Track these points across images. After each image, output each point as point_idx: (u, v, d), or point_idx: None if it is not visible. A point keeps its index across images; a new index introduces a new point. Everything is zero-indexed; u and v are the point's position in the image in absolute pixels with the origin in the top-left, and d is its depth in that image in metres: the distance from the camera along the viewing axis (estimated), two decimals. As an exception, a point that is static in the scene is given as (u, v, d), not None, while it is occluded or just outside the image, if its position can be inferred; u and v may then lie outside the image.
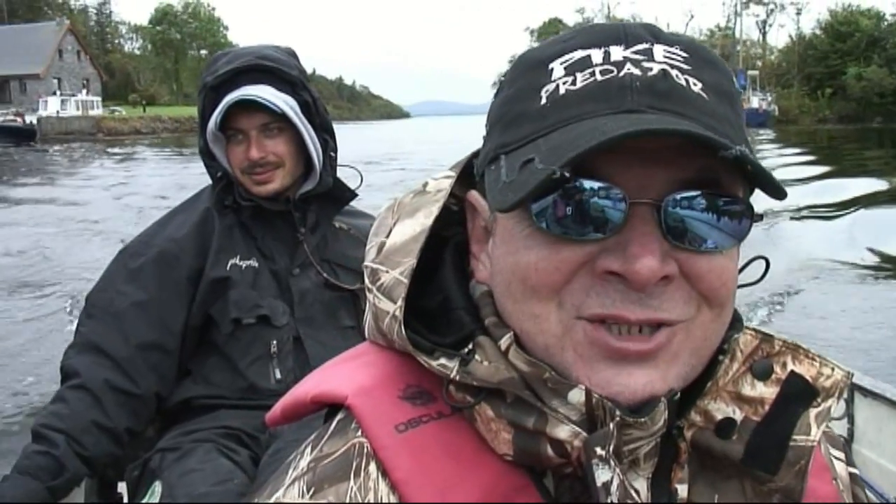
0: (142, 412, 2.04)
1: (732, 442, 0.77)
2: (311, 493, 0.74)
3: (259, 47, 2.14)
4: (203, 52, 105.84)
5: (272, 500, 0.76)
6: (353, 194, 2.22)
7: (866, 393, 3.15)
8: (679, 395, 0.74)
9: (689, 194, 0.69)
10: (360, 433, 0.76)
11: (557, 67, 0.73)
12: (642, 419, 0.70)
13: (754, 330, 0.81)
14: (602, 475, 0.70)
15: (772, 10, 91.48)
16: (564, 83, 0.72)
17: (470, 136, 2.06)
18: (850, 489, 0.92)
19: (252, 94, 2.03)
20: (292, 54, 2.16)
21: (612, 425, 0.70)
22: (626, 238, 0.68)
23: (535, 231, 0.71)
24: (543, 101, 0.72)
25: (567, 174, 0.65)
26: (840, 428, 3.21)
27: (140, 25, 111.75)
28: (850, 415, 3.20)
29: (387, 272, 0.81)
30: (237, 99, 2.03)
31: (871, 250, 11.75)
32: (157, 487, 1.88)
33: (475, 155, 0.85)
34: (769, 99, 73.73)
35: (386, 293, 0.80)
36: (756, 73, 78.22)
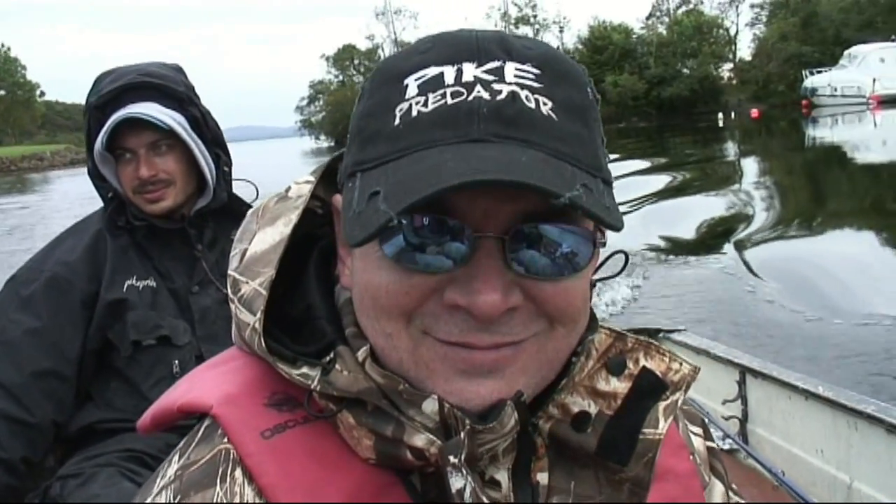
0: (38, 441, 1.87)
1: (587, 435, 0.77)
2: (177, 499, 0.70)
3: (144, 64, 1.99)
4: (2, 92, 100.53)
5: None
6: (248, 208, 2.08)
7: (756, 374, 3.25)
8: (527, 397, 0.72)
9: (532, 227, 0.67)
10: (226, 440, 0.72)
11: (412, 84, 0.70)
12: (490, 424, 0.69)
13: (609, 328, 0.80)
14: (456, 482, 0.68)
15: (538, 29, 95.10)
16: (417, 104, 0.68)
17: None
18: (708, 462, 0.93)
19: (138, 112, 1.88)
20: (179, 70, 2.02)
21: (462, 434, 0.68)
22: (472, 272, 0.66)
23: (386, 257, 0.68)
24: (397, 121, 0.69)
25: (405, 221, 0.64)
26: (735, 409, 3.32)
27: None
28: (742, 396, 3.30)
29: (247, 283, 0.77)
30: (123, 117, 1.87)
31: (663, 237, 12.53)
32: None
33: (337, 158, 0.81)
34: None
35: (246, 305, 0.76)
36: None
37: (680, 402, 0.80)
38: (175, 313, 1.96)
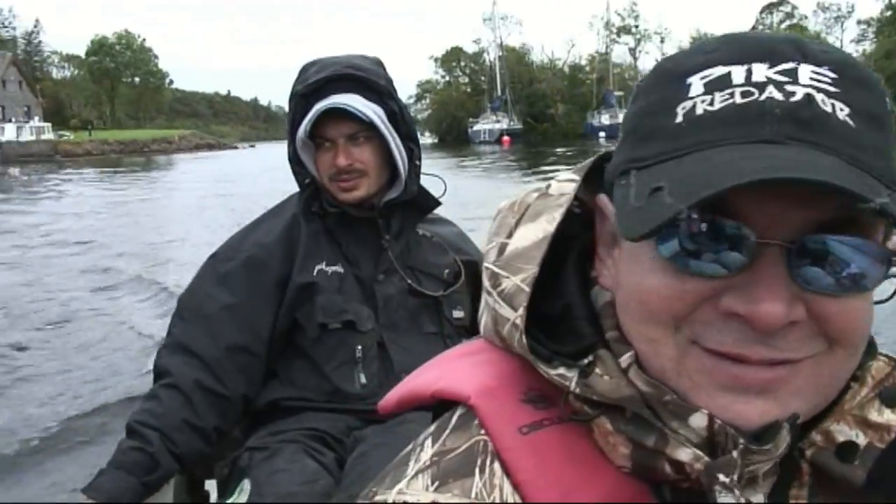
0: (229, 412, 1.89)
1: (854, 467, 0.68)
2: (435, 485, 0.66)
3: (348, 57, 1.97)
4: (136, 79, 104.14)
5: (395, 491, 0.68)
6: (436, 202, 2.06)
7: None
8: (801, 419, 0.64)
9: (823, 238, 0.59)
10: (482, 431, 0.69)
11: (696, 83, 0.64)
12: (766, 446, 0.62)
13: (887, 356, 0.71)
14: (725, 500, 0.62)
15: (639, 39, 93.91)
16: (702, 102, 0.62)
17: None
18: None
19: (342, 103, 1.86)
20: (380, 64, 2.00)
21: (735, 453, 0.62)
22: (753, 278, 0.60)
23: (660, 258, 0.62)
24: (679, 119, 0.63)
25: (695, 215, 0.59)
26: None
27: (72, 55, 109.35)
28: None
29: (508, 278, 0.73)
30: (327, 107, 1.86)
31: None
32: (246, 485, 1.74)
33: (602, 158, 0.75)
34: (636, 114, 77.28)
35: (507, 300, 0.72)
36: (622, 93, 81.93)
37: None
38: (360, 300, 1.94)
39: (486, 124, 79.68)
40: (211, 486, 2.09)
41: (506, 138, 72.30)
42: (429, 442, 0.71)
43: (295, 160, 1.98)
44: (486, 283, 0.75)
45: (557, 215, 0.73)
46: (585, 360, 0.67)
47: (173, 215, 20.79)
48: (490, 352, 0.76)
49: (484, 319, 0.77)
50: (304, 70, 1.96)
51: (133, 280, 11.81)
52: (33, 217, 20.62)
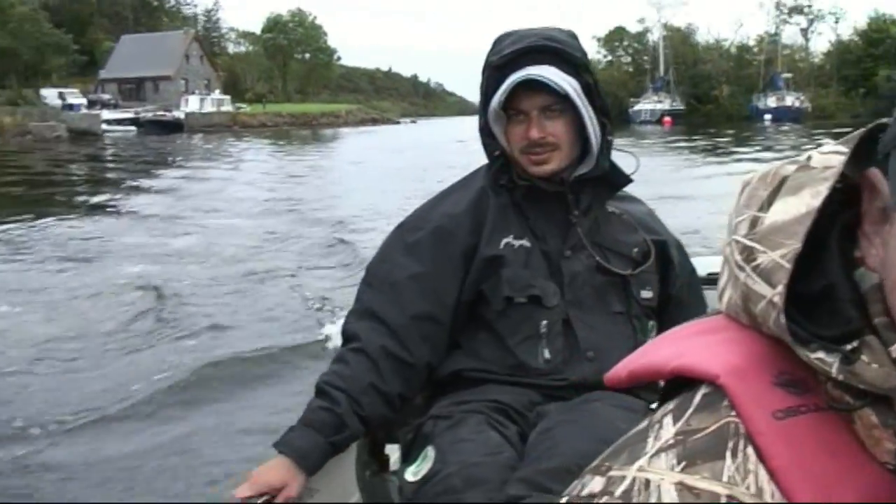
0: (413, 379, 1.89)
1: None
2: (681, 466, 0.61)
3: (543, 29, 1.92)
4: (307, 55, 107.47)
5: (634, 467, 0.63)
6: (627, 179, 1.98)
7: None
8: None
9: None
10: (733, 413, 0.62)
11: None
12: None
13: None
14: None
15: (812, 19, 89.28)
16: None
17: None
18: None
19: (537, 75, 1.81)
20: (574, 37, 1.93)
21: None
22: None
23: None
24: None
25: None
26: None
27: (248, 31, 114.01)
28: None
29: (765, 253, 0.66)
30: (523, 78, 1.81)
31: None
32: (430, 452, 1.72)
33: (876, 128, 0.65)
34: (802, 98, 74.99)
35: (763, 276, 0.65)
36: (790, 75, 78.90)
37: None
38: (546, 275, 1.89)
39: (648, 104, 77.83)
40: (391, 450, 2.11)
41: (667, 119, 70.49)
42: (668, 420, 0.66)
43: (486, 132, 1.94)
44: (736, 257, 0.69)
45: (823, 189, 0.66)
46: (849, 346, 0.60)
47: (349, 183, 21.65)
48: (734, 330, 0.70)
49: (728, 294, 0.71)
50: (499, 41, 1.92)
51: (314, 245, 12.32)
52: (214, 183, 21.96)
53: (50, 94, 62.35)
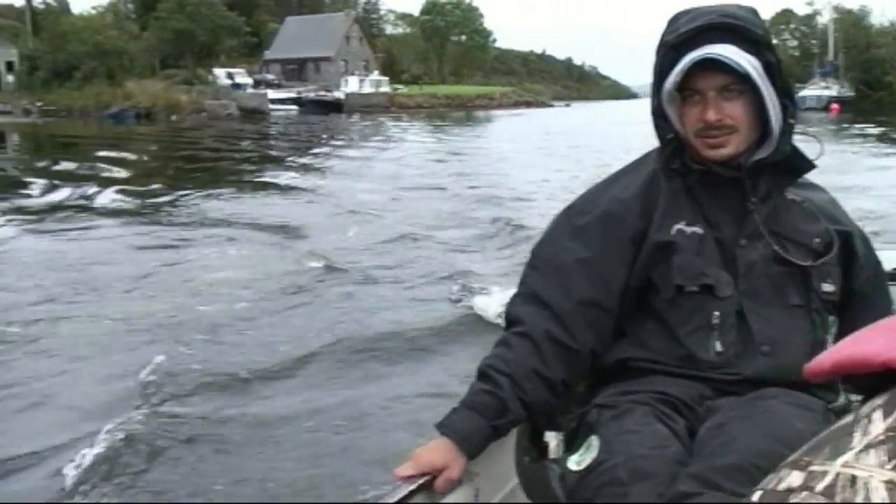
0: (577, 366, 1.84)
1: None
2: (893, 463, 0.60)
3: (722, 5, 1.81)
4: (463, 37, 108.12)
5: (838, 463, 0.62)
6: (810, 165, 1.85)
7: None
8: None
9: None
10: None
11: None
12: None
13: None
14: None
15: None
16: None
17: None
18: None
19: (715, 53, 1.71)
20: (755, 13, 1.82)
21: None
22: None
23: None
24: None
25: None
26: None
27: (406, 13, 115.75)
28: None
29: None
30: (699, 58, 1.71)
31: None
32: (594, 441, 1.66)
33: None
34: None
35: None
36: None
37: None
38: (719, 264, 1.79)
39: (815, 90, 73.84)
40: (550, 437, 2.07)
41: (834, 106, 66.78)
42: (878, 415, 0.64)
43: (659, 114, 1.86)
44: None
45: None
46: None
47: (507, 164, 21.94)
48: None
49: None
50: (675, 20, 1.83)
51: (473, 222, 12.50)
52: (375, 162, 22.61)
53: (219, 74, 65.51)
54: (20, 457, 4.47)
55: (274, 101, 63.30)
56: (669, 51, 1.79)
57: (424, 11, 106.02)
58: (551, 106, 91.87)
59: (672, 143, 1.86)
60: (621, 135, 31.30)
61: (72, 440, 4.62)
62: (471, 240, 11.09)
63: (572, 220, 1.92)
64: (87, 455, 4.39)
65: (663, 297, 1.82)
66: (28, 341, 6.54)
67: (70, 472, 4.24)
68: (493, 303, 7.02)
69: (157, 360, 5.95)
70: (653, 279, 1.84)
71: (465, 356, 6.02)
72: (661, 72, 1.82)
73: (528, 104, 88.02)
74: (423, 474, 1.66)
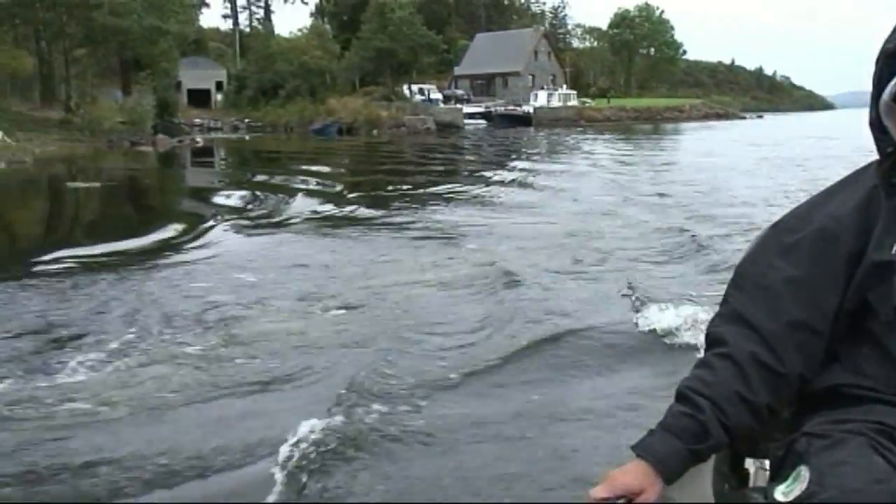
0: (783, 391, 1.71)
1: None
2: None
3: None
4: (651, 50, 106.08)
5: None
6: None
7: None
8: None
9: None
10: None
11: None
12: None
13: None
14: None
15: None
16: None
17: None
18: None
19: None
20: None
21: None
22: None
23: None
24: None
25: None
26: None
27: (594, 27, 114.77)
28: None
29: None
30: None
31: None
32: (803, 472, 1.54)
33: None
34: None
35: None
36: None
37: None
38: None
39: None
40: (751, 464, 1.95)
41: None
42: None
43: (877, 126, 1.71)
44: None
45: None
46: None
47: (704, 177, 21.61)
48: None
49: None
50: None
51: (662, 234, 12.39)
52: (567, 175, 22.65)
53: (413, 90, 67.68)
54: (230, 451, 4.72)
55: (467, 116, 64.67)
56: (889, 59, 1.65)
57: (613, 25, 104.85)
58: (742, 118, 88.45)
59: (892, 157, 1.71)
60: (822, 147, 29.76)
61: (278, 437, 4.81)
62: (658, 252, 10.90)
63: (781, 237, 1.81)
64: (297, 452, 4.59)
65: (882, 320, 1.67)
66: (237, 342, 6.95)
67: (277, 470, 4.41)
68: (675, 318, 6.97)
69: (364, 360, 6.23)
70: (869, 301, 1.69)
71: (641, 372, 6.05)
72: (879, 81, 1.68)
73: (719, 116, 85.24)
74: (619, 497, 1.59)
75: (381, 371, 5.98)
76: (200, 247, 12.15)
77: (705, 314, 6.34)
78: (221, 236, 13.13)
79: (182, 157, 40.54)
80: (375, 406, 5.30)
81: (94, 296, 8.62)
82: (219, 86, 79.22)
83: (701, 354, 1.82)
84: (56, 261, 10.82)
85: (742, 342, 1.72)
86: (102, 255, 11.51)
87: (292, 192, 19.49)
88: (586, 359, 6.35)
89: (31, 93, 46.41)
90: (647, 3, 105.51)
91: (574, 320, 7.40)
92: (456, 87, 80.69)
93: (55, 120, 40.27)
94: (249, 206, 17.53)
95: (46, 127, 38.89)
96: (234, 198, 19.06)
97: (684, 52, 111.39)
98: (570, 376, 6.00)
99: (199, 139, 50.89)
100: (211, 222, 14.70)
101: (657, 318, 7.17)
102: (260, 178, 24.50)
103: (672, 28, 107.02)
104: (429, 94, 68.26)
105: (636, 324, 7.19)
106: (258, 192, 19.62)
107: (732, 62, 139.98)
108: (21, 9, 38.73)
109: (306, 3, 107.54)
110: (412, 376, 5.91)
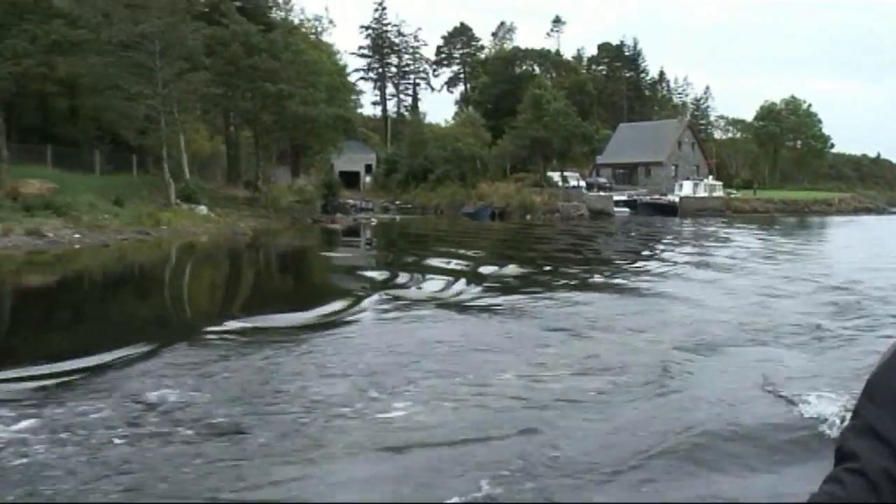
0: None
1: None
2: None
3: None
4: (798, 143, 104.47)
5: None
6: None
7: None
8: None
9: None
10: None
11: None
12: None
13: None
14: None
15: None
16: None
17: None
18: None
19: None
20: None
21: None
22: None
23: None
24: None
25: None
26: None
27: (737, 119, 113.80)
28: None
29: None
30: None
31: None
32: None
33: None
34: None
35: None
36: None
37: None
38: None
39: None
40: None
41: None
42: None
43: None
44: None
45: None
46: None
47: (854, 269, 21.55)
48: None
49: None
50: None
51: (810, 328, 12.86)
52: (717, 268, 22.76)
53: (553, 176, 68.83)
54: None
55: (616, 204, 65.98)
56: None
57: (759, 117, 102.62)
58: (893, 213, 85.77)
59: None
60: None
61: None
62: (801, 344, 11.34)
63: None
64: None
65: None
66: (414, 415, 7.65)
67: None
68: (822, 411, 7.22)
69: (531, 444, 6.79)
70: None
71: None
72: None
73: (869, 210, 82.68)
74: None
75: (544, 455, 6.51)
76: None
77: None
78: (368, 317, 13.92)
79: (365, 231, 43.00)
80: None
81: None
82: (367, 168, 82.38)
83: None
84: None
85: (875, 457, 1.51)
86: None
87: (446, 274, 20.29)
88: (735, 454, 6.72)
89: (211, 171, 49.89)
90: (793, 97, 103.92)
91: (730, 411, 7.78)
92: (598, 175, 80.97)
93: (241, 198, 43.23)
94: (400, 285, 18.28)
95: (236, 204, 41.47)
96: (384, 276, 19.96)
97: (832, 145, 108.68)
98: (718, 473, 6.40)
99: (374, 219, 53.78)
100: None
101: (807, 410, 7.46)
102: (412, 259, 25.72)
103: (820, 122, 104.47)
104: (570, 182, 68.62)
105: (788, 415, 7.51)
106: (416, 274, 20.25)
107: (878, 155, 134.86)
108: (224, 99, 42.27)
109: (452, 93, 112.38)
110: (580, 465, 6.30)
